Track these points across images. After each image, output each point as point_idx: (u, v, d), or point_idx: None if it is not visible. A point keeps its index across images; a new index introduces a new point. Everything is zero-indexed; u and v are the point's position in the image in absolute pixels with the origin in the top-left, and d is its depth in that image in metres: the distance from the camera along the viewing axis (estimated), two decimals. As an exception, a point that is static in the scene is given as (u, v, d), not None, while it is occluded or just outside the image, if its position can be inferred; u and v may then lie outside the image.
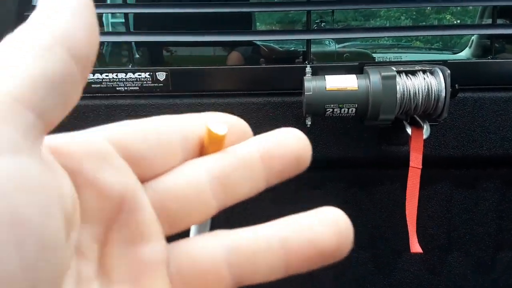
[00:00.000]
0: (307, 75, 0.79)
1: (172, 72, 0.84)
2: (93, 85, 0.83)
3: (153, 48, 1.58)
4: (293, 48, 1.86)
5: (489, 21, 0.87)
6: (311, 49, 0.88)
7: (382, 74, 0.74)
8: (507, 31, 0.90)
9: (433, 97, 0.74)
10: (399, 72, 0.76)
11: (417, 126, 0.78)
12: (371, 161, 0.90)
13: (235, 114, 0.89)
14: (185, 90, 0.86)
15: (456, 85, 0.78)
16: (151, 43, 1.30)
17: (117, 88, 0.84)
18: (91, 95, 0.85)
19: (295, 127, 0.84)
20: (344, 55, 1.88)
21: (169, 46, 1.72)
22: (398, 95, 0.74)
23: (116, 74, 0.83)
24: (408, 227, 0.73)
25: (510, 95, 0.85)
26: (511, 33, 0.87)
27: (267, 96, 0.86)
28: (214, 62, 1.86)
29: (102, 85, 0.84)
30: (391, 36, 0.85)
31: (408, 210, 0.73)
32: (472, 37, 2.10)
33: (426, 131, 0.77)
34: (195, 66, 0.85)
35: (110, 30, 2.01)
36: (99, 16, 1.20)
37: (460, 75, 0.81)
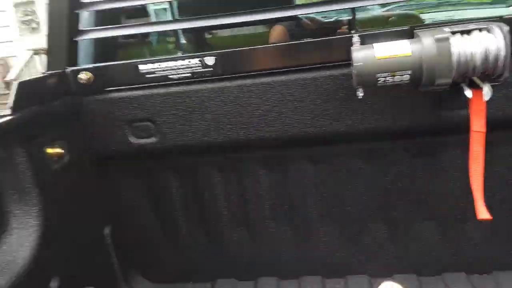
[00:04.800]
0: (354, 45, 0.78)
1: (221, 56, 0.85)
2: (147, 76, 0.87)
3: (198, 32, 1.60)
4: (335, 18, 1.81)
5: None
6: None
7: (435, 36, 0.71)
8: None
9: (492, 56, 0.70)
10: (453, 33, 0.72)
11: (477, 88, 0.75)
12: (430, 128, 0.87)
13: (285, 92, 0.90)
14: (234, 72, 0.87)
15: None
16: (196, 29, 1.31)
17: (169, 76, 0.87)
18: (146, 85, 0.89)
19: (347, 99, 0.83)
20: (390, 19, 1.81)
21: (215, 29, 1.72)
22: (454, 58, 0.71)
23: (167, 63, 0.86)
24: (473, 193, 0.71)
25: None
26: None
27: (315, 71, 0.85)
28: (257, 38, 1.85)
29: (155, 75, 0.87)
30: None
31: (473, 177, 0.71)
32: (529, -14, 1.94)
33: (487, 92, 0.74)
34: (239, 44, 0.86)
35: (154, 18, 2.05)
36: (144, 7, 1.23)
37: None
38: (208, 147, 0.92)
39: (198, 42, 1.71)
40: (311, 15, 1.71)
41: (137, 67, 0.87)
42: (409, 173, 0.97)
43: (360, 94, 0.77)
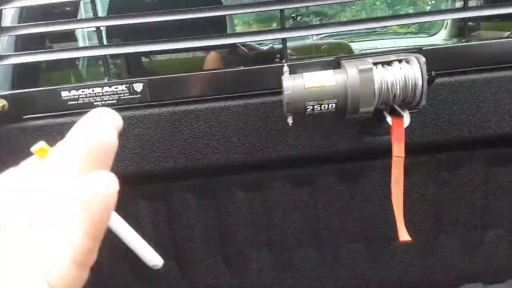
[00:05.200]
0: (285, 74, 0.79)
1: (149, 82, 0.83)
2: (69, 103, 0.82)
3: (130, 58, 1.56)
4: (270, 45, 1.86)
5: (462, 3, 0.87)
6: (289, 44, 0.87)
7: (359, 67, 0.74)
8: (479, 13, 0.90)
9: (410, 86, 0.74)
10: (375, 64, 0.76)
11: (397, 115, 0.78)
12: (356, 154, 0.90)
13: (216, 119, 0.88)
14: (163, 99, 0.85)
15: (433, 72, 0.78)
16: (126, 54, 1.29)
17: (94, 103, 0.83)
18: (68, 112, 0.84)
19: (277, 126, 0.83)
20: (322, 47, 1.89)
21: (146, 54, 1.70)
22: (376, 87, 0.74)
23: (92, 89, 0.82)
24: (395, 215, 0.73)
25: (486, 76, 0.86)
26: (483, 15, 0.87)
27: (247, 98, 0.86)
28: (193, 63, 1.85)
29: (78, 101, 0.82)
30: (366, 28, 0.86)
31: (394, 199, 0.74)
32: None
33: (406, 119, 0.78)
34: (174, 69, 0.85)
35: (87, 40, 1.98)
36: (72, 32, 1.19)
37: (436, 61, 0.82)
38: (134, 177, 0.88)
39: (133, 66, 1.68)
40: (248, 43, 1.74)
41: (60, 93, 0.82)
42: (338, 197, 0.99)
43: (290, 121, 0.78)
